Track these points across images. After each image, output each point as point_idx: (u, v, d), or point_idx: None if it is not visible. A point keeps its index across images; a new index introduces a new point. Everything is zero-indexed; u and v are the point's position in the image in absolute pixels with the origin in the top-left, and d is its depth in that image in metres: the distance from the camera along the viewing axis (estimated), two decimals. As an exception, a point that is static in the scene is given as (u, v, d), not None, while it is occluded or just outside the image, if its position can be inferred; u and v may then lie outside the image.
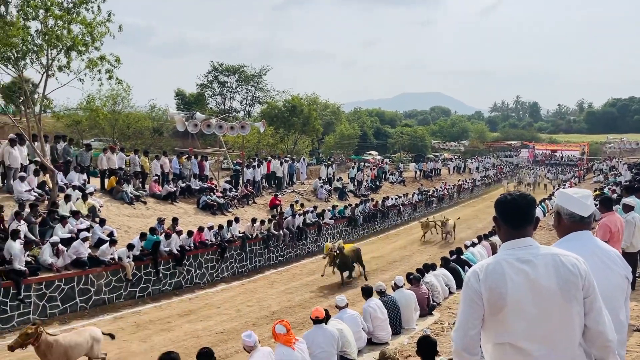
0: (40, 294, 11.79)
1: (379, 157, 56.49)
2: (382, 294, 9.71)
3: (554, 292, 2.40)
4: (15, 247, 11.53)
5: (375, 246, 23.71)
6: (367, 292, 9.31)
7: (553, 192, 34.27)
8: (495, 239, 17.71)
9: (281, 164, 26.67)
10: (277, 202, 23.11)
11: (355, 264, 17.14)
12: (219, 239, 17.00)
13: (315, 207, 23.50)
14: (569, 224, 2.92)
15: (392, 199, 30.03)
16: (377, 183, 34.16)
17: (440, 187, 38.53)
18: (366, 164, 43.69)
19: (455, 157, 60.73)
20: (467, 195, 43.28)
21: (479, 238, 17.36)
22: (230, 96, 57.14)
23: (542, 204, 28.61)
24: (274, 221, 19.88)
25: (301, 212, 21.87)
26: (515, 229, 2.56)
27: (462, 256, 14.34)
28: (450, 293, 12.67)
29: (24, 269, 11.48)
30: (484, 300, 2.44)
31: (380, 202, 28.51)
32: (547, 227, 23.57)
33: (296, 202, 23.75)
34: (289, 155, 34.84)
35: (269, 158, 27.29)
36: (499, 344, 2.48)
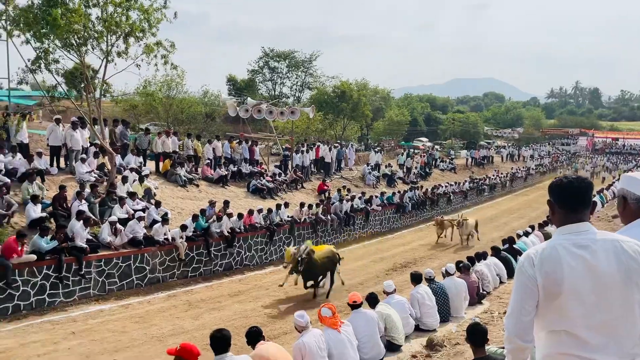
0: (99, 271, 12.37)
1: (429, 144, 55.58)
2: (430, 280, 9.61)
3: (614, 279, 2.30)
4: (77, 225, 12.13)
5: (424, 233, 23.44)
6: (416, 279, 9.24)
7: (612, 182, 32.71)
8: (550, 229, 17.14)
9: (330, 149, 26.70)
10: (325, 187, 23.19)
11: (326, 274, 13.67)
12: (268, 222, 17.27)
13: (363, 193, 23.45)
14: (635, 209, 2.77)
15: (442, 186, 29.53)
16: (427, 170, 33.64)
17: (493, 175, 37.56)
18: (416, 151, 43.08)
19: (509, 144, 58.94)
20: (521, 184, 41.98)
21: (532, 227, 16.85)
22: (280, 82, 57.52)
23: (601, 194, 27.39)
24: (321, 206, 20.00)
25: (348, 197, 21.89)
26: (571, 213, 2.46)
27: (514, 245, 13.97)
28: (501, 283, 12.39)
29: (85, 246, 12.07)
30: (538, 286, 2.37)
31: (429, 189, 28.10)
32: (606, 218, 22.58)
33: (343, 187, 23.79)
34: (338, 141, 34.80)
35: (318, 143, 27.36)
36: (553, 331, 2.41)
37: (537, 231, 16.36)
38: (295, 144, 27.24)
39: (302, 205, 19.23)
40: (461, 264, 11.02)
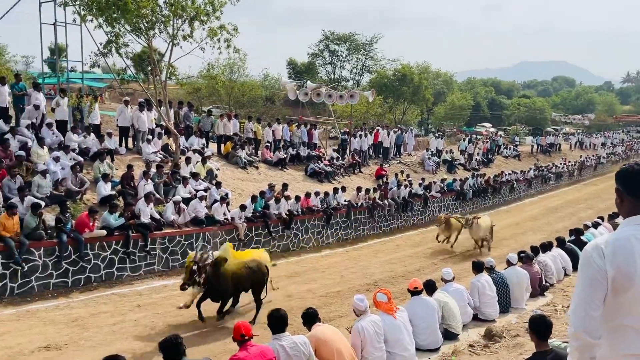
0: (163, 248, 12.89)
1: (492, 130, 53.77)
2: (491, 270, 9.35)
3: None
4: (143, 203, 12.67)
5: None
6: (477, 267, 8.99)
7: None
8: (620, 220, 16.18)
9: (389, 134, 26.38)
10: (383, 172, 22.99)
11: (241, 293, 9.89)
12: (325, 205, 17.35)
13: (423, 179, 23.08)
14: None
15: (506, 174, 28.56)
16: (489, 157, 32.61)
17: (560, 164, 35.93)
18: (478, 137, 41.82)
19: (579, 131, 56.11)
20: (590, 173, 39.94)
21: (601, 218, 16.00)
22: (340, 65, 57.27)
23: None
24: (379, 191, 19.87)
25: (406, 183, 21.60)
26: None
27: (582, 237, 13.33)
28: (566, 275, 11.88)
29: (152, 223, 12.59)
30: (608, 279, 2.24)
31: (492, 177, 27.26)
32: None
33: (401, 172, 23.50)
34: (397, 126, 34.34)
35: (377, 128, 27.09)
36: (619, 326, 2.28)
37: (607, 223, 15.52)
38: (354, 128, 27.12)
39: (359, 189, 19.17)
40: (522, 254, 10.64)
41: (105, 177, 13.18)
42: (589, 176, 39.28)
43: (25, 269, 10.40)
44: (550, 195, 31.55)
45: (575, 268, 12.04)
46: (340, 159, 22.97)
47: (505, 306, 9.09)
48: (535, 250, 11.40)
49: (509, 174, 28.80)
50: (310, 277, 13.44)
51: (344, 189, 18.94)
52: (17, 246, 10.17)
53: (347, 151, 24.11)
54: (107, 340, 8.44)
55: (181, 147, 16.66)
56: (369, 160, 24.88)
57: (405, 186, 21.14)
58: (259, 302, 9.66)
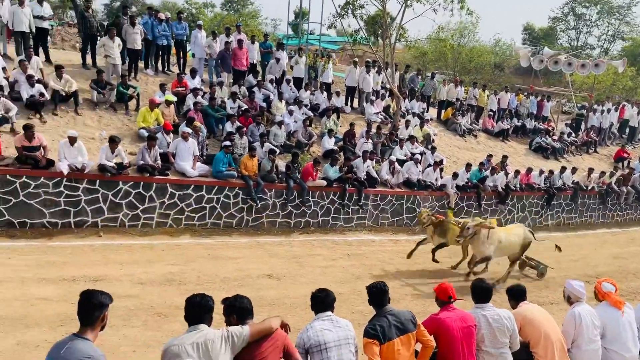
0: (375, 204, 13.44)
1: None
2: None
3: None
4: (360, 160, 13.33)
5: None
6: None
7: None
8: None
9: (638, 112, 22.70)
10: (625, 154, 20.00)
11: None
12: (547, 184, 15.92)
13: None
14: None
15: None
16: None
17: None
18: None
19: None
20: None
21: None
22: (587, 30, 50.63)
23: None
24: (617, 176, 17.39)
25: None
26: None
27: None
28: None
29: (365, 178, 13.21)
30: None
31: None
32: None
33: (650, 157, 20.13)
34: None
35: (623, 103, 23.51)
36: None
37: None
38: (594, 102, 24.00)
39: (591, 170, 17.06)
40: None
41: (330, 133, 14.19)
42: None
43: (259, 206, 11.91)
44: None
45: None
46: (574, 135, 20.68)
47: None
48: None
49: None
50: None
51: (574, 170, 17.06)
52: (254, 185, 11.69)
53: (583, 127, 21.55)
54: (318, 280, 9.27)
55: (402, 110, 16.91)
56: (609, 140, 21.89)
57: (652, 174, 18.10)
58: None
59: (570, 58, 23.13)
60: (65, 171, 9.84)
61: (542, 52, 23.75)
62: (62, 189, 9.98)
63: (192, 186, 11.22)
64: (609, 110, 21.74)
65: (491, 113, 19.91)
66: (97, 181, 10.26)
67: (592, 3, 49.08)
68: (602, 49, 49.30)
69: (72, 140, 10.12)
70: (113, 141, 10.48)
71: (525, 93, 21.82)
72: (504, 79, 36.55)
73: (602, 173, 17.22)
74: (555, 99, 26.51)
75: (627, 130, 22.79)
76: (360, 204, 13.16)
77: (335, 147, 14.19)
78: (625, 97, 32.18)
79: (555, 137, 19.71)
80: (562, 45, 47.80)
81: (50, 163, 9.98)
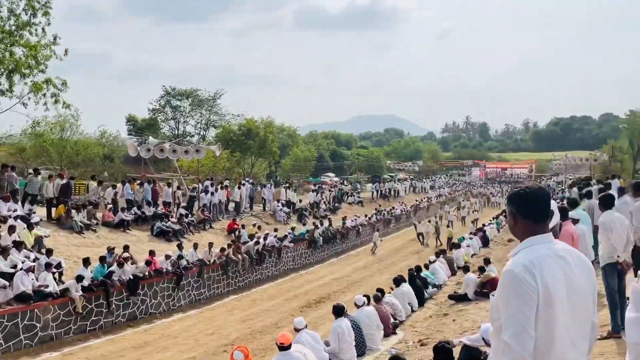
0: (-21, 333, 10.94)
1: (335, 179, 56.70)
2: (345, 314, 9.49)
3: (585, 291, 2.33)
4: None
5: (336, 268, 23.54)
6: (338, 311, 9.00)
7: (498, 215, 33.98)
8: (455, 253, 17.99)
9: (239, 187, 26.28)
10: (235, 226, 22.64)
11: None
12: (176, 266, 16.37)
13: (276, 230, 23.16)
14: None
15: (351, 220, 29.98)
16: (336, 204, 34.13)
17: (397, 207, 38.92)
18: (323, 186, 43.73)
19: (410, 177, 61.73)
20: (423, 214, 43.88)
21: (437, 254, 17.53)
22: (184, 120, 56.27)
23: (497, 220, 29.28)
24: (232, 246, 19.41)
25: (259, 235, 21.44)
26: (538, 223, 2.40)
27: (421, 274, 14.36)
28: (413, 311, 12.60)
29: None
30: (540, 298, 2.21)
31: (341, 224, 28.46)
32: (502, 242, 24.09)
33: (254, 225, 23.37)
34: (246, 179, 34.38)
35: (226, 184, 26.84)
36: (539, 346, 2.25)
37: (441, 257, 17.10)
38: (202, 183, 26.52)
39: (210, 245, 18.53)
40: (371, 296, 11.10)
41: None
42: (423, 217, 43.11)
43: None
44: (393, 236, 33.84)
45: (421, 303, 12.89)
46: (190, 215, 22.16)
47: (361, 348, 9.25)
48: (380, 291, 11.92)
49: (354, 220, 30.26)
50: (162, 345, 12.43)
51: (195, 246, 18.12)
52: None
53: (195, 207, 23.38)
54: None
55: (2, 215, 14.64)
56: (220, 215, 24.41)
57: (259, 238, 20.91)
58: None
59: (174, 146, 25.04)
60: None
61: (147, 142, 24.88)
62: None
63: None
64: (216, 190, 24.32)
65: (110, 206, 19.43)
66: None
67: (184, 96, 55.14)
68: (200, 136, 55.60)
69: None
70: None
71: (139, 182, 22.29)
72: (116, 169, 36.66)
73: (222, 249, 18.69)
74: (172, 182, 27.99)
75: (234, 205, 25.94)
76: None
77: None
78: (225, 176, 36.86)
79: (174, 220, 20.67)
80: (165, 134, 51.57)
81: None
